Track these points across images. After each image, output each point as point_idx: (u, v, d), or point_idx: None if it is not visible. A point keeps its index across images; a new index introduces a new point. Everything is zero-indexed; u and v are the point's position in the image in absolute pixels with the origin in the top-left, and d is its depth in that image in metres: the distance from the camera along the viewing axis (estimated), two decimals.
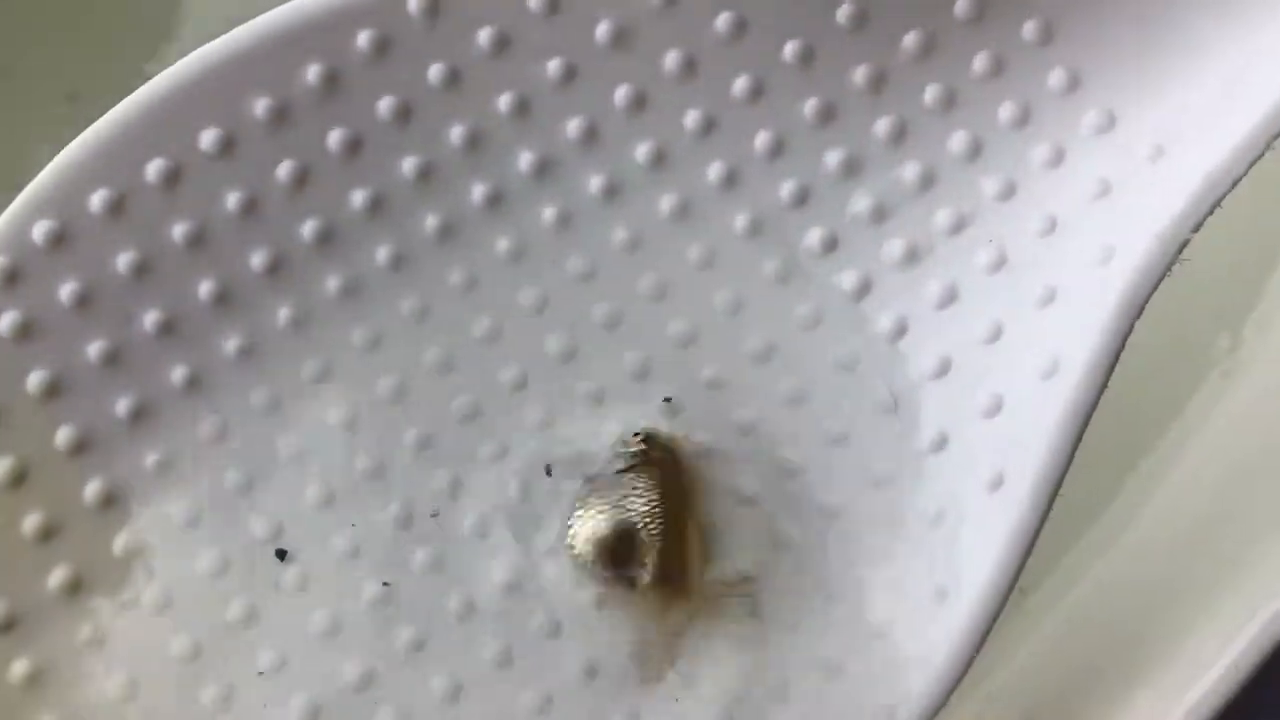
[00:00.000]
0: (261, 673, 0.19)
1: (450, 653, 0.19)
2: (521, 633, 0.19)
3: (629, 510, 0.19)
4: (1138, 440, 0.26)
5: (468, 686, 0.19)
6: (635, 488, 0.19)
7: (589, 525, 0.19)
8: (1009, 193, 0.20)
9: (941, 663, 0.18)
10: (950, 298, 0.20)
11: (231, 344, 0.19)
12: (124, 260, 0.19)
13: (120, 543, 0.19)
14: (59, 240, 0.19)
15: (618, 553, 0.19)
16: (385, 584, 0.19)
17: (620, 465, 0.19)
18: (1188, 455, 0.26)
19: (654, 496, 0.19)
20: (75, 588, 0.19)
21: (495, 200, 0.20)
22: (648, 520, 0.19)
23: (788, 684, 0.19)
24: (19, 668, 0.19)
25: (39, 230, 0.19)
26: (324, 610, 0.19)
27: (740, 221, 0.20)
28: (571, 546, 0.19)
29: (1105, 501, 0.26)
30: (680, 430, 0.20)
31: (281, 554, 0.19)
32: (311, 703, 0.19)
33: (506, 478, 0.20)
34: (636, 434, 0.19)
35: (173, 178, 0.19)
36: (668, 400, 0.20)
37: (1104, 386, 0.18)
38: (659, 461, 0.19)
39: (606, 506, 0.19)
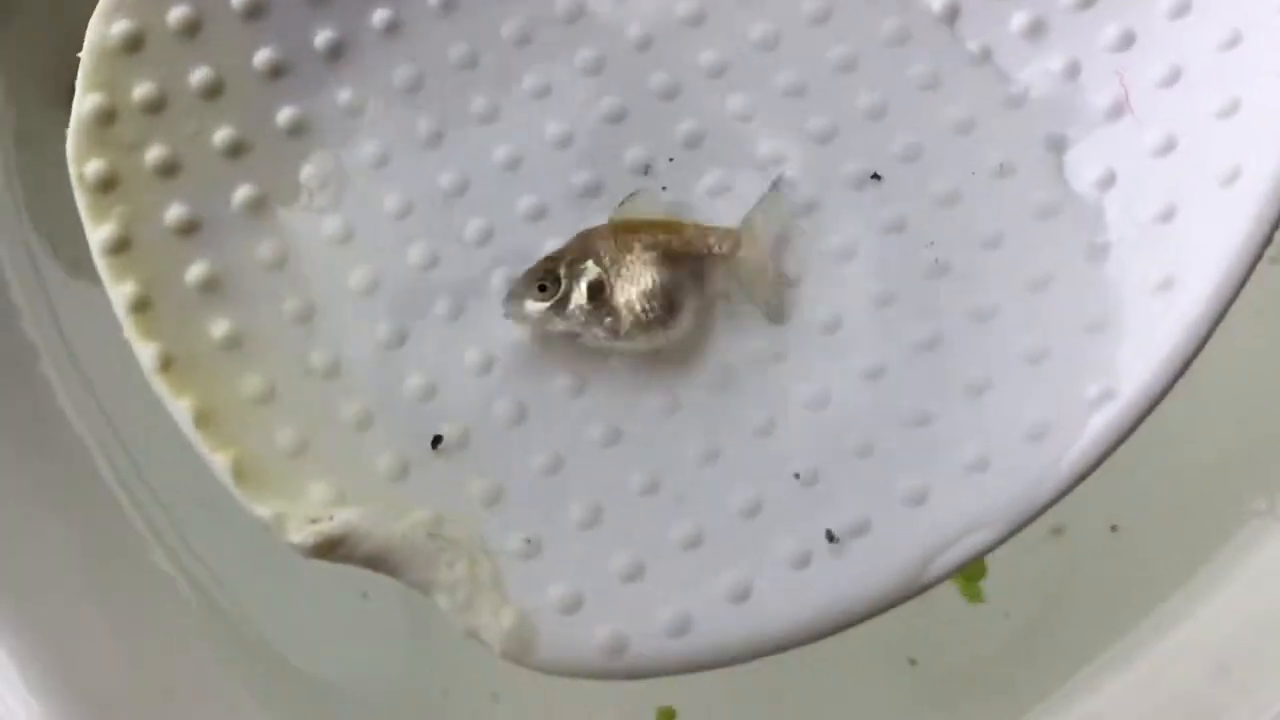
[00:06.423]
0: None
1: None
2: None
3: None
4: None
5: None
6: None
7: None
8: None
9: (1170, 347, 0.17)
10: (1183, 9, 0.19)
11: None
12: None
13: (307, 171, 0.19)
14: None
15: None
16: None
17: None
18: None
19: None
20: (259, 205, 0.18)
21: None
22: None
23: (990, 377, 0.18)
24: (196, 270, 0.18)
25: None
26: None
27: None
28: None
29: None
30: None
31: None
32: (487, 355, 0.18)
33: None
34: None
35: None
36: None
37: None
38: None
39: None
